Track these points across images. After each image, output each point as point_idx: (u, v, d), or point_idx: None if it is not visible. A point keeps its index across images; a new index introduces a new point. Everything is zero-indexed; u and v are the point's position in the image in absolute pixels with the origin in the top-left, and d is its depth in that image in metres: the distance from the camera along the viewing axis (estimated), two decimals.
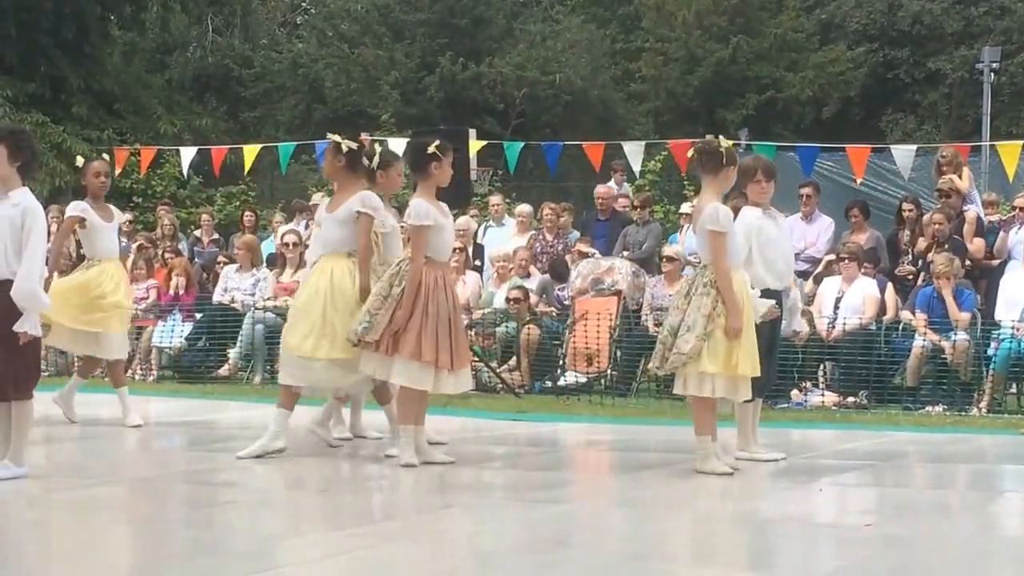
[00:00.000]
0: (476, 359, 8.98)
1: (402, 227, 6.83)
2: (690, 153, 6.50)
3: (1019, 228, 10.18)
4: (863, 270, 9.84)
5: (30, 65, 19.47)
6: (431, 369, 6.17)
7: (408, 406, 6.35)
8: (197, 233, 14.46)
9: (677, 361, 6.01)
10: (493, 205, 12.93)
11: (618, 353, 10.26)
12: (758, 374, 6.14)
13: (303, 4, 33.29)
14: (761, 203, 6.61)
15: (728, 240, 6.09)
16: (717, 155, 6.21)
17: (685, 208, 12.11)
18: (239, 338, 11.20)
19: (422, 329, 6.13)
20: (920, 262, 10.21)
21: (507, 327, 10.59)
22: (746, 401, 6.29)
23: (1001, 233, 10.35)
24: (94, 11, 20.03)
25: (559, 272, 11.20)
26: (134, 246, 12.60)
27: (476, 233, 12.38)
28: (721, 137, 6.33)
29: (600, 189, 12.63)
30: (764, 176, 6.58)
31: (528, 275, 11.32)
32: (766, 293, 6.41)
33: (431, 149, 6.41)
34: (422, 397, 6.32)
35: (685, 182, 16.69)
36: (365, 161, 6.66)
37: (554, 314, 10.85)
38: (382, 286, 6.27)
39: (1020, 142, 12.16)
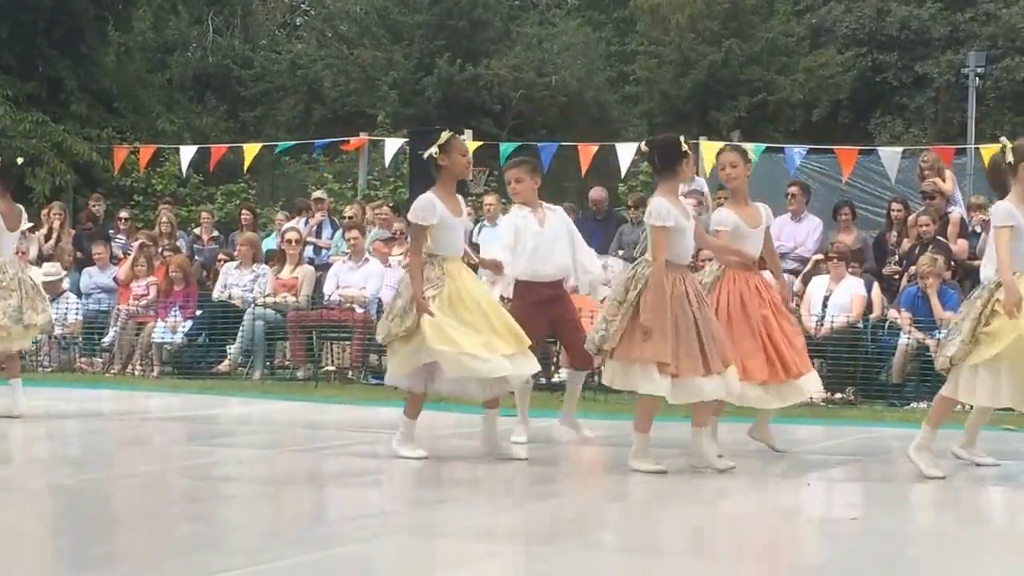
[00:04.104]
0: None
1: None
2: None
3: None
4: (850, 269, 10.01)
5: (28, 65, 19.54)
6: (668, 377, 5.95)
7: (644, 414, 6.18)
8: (197, 231, 14.58)
9: (944, 364, 6.00)
10: (488, 204, 13.08)
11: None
12: None
13: (303, 5, 33.37)
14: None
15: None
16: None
17: None
18: (239, 334, 11.32)
19: (667, 335, 5.92)
20: (905, 262, 10.39)
21: None
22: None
23: (983, 234, 10.52)
24: (88, 12, 20.09)
25: None
26: (135, 244, 12.75)
27: (471, 232, 12.53)
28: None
29: (594, 194, 12.81)
30: None
31: None
32: None
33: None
34: (656, 404, 6.16)
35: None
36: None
37: None
38: (618, 291, 6.10)
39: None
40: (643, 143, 6.36)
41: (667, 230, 6.01)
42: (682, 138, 6.28)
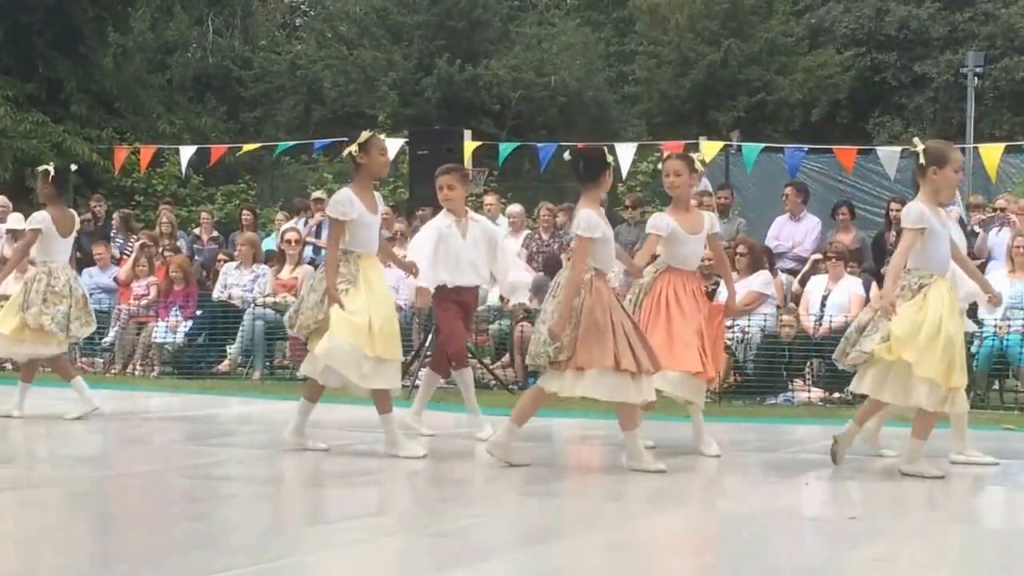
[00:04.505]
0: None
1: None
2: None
3: (999, 229, 10.36)
4: (848, 269, 10.02)
5: (27, 66, 19.55)
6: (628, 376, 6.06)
7: (626, 414, 6.24)
8: (197, 231, 14.60)
9: (859, 358, 6.07)
10: (487, 205, 13.10)
11: None
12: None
13: (302, 6, 33.41)
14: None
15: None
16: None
17: None
18: (239, 334, 11.33)
19: (615, 338, 6.03)
20: None
21: (501, 324, 10.76)
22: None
23: (981, 233, 10.54)
24: (87, 13, 20.10)
25: (553, 267, 11.36)
26: (136, 244, 12.76)
27: None
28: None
29: None
30: None
31: None
32: None
33: None
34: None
35: None
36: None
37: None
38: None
39: (1001, 145, 12.36)
40: (567, 152, 6.46)
41: (594, 241, 6.14)
42: (605, 149, 6.48)
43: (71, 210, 8.45)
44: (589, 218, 6.16)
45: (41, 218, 8.12)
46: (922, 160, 6.09)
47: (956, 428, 6.61)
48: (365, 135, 6.67)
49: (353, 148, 6.59)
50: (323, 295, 6.47)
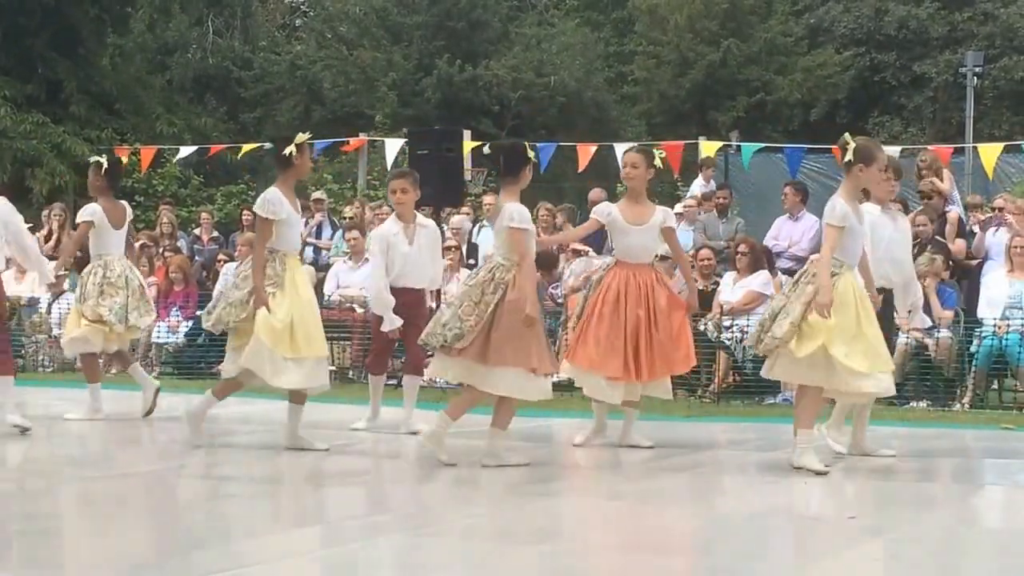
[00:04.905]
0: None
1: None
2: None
3: (996, 229, 10.37)
4: None
5: (27, 67, 19.57)
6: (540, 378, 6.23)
7: (507, 414, 6.38)
8: (197, 231, 14.60)
9: (771, 344, 6.13)
10: (486, 205, 13.12)
11: None
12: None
13: (302, 7, 33.42)
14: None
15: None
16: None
17: (678, 208, 12.31)
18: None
19: (537, 340, 6.18)
20: None
21: None
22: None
23: (978, 233, 10.55)
24: (87, 14, 20.11)
25: (547, 262, 11.36)
26: (137, 245, 12.76)
27: (471, 232, 12.56)
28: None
29: (592, 195, 12.83)
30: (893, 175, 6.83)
31: None
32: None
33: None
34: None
35: (678, 182, 16.90)
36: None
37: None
38: (473, 292, 6.24)
39: (999, 144, 12.38)
40: (488, 146, 6.50)
41: (530, 232, 6.34)
42: (527, 144, 6.55)
43: (122, 202, 8.43)
44: (523, 212, 6.32)
45: (92, 210, 8.13)
46: (850, 156, 6.17)
47: (837, 415, 6.71)
48: (302, 137, 6.77)
49: (292, 148, 6.67)
50: (248, 294, 6.53)
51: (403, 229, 7.50)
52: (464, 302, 6.19)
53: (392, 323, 7.44)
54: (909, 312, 7.10)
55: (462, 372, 6.31)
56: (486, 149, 6.56)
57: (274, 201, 6.57)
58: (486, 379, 6.20)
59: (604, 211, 7.05)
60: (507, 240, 6.29)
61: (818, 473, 6.05)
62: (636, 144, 7.59)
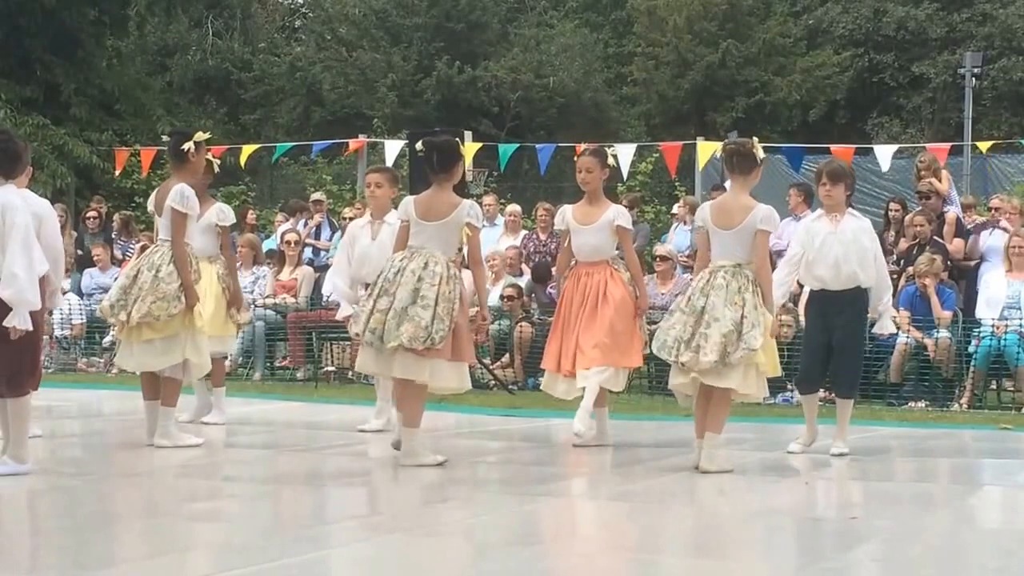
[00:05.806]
0: None
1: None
2: (718, 153, 6.78)
3: (992, 230, 10.37)
4: None
5: (26, 69, 19.57)
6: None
7: (418, 411, 6.37)
8: None
9: (748, 356, 6.10)
10: (487, 205, 13.13)
11: None
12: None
13: (302, 8, 33.45)
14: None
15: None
16: (751, 156, 6.33)
17: (676, 208, 12.33)
18: (239, 335, 11.34)
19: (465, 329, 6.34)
20: (903, 262, 10.43)
21: (500, 324, 10.79)
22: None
23: (973, 235, 10.56)
24: (86, 16, 20.10)
25: (541, 274, 11.40)
26: (137, 246, 12.77)
27: None
28: (755, 139, 6.43)
29: None
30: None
31: (520, 273, 11.54)
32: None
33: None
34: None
35: (676, 183, 16.93)
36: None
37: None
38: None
39: (990, 142, 12.39)
40: (419, 143, 6.48)
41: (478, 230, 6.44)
42: (459, 140, 6.59)
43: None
44: (474, 207, 6.43)
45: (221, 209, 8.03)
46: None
47: (840, 423, 6.88)
48: (202, 136, 6.89)
49: (191, 145, 6.77)
50: (179, 289, 6.67)
51: (369, 223, 7.61)
52: (441, 303, 6.14)
53: (344, 312, 7.65)
54: (879, 315, 7.06)
55: (416, 369, 6.19)
56: (418, 147, 6.52)
57: (191, 196, 6.72)
58: (438, 374, 6.21)
59: (559, 216, 7.27)
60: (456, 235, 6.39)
61: (723, 472, 6.12)
62: (588, 146, 7.62)
